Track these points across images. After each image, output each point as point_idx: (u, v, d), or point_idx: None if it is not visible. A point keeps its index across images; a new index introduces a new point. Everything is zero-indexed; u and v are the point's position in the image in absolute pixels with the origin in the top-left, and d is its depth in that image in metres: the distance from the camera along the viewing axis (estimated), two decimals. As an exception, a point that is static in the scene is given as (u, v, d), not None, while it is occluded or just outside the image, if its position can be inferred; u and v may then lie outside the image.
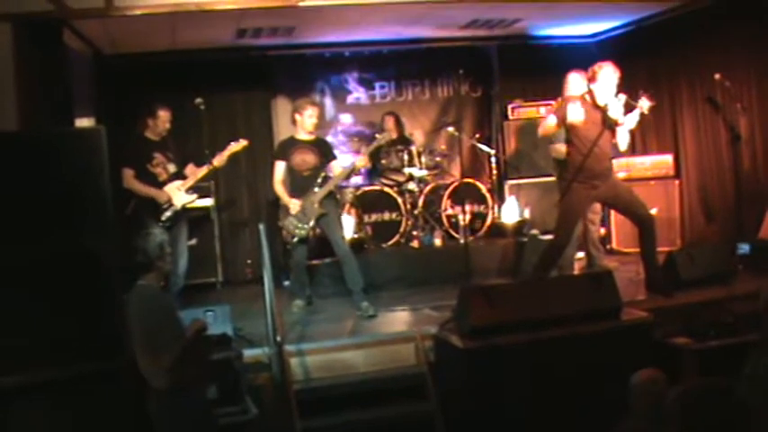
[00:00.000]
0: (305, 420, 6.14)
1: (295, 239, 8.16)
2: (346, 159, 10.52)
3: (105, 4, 7.20)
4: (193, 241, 9.58)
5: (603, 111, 7.43)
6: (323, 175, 8.20)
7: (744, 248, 8.10)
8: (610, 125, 7.45)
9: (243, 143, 8.19)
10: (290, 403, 6.15)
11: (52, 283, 5.17)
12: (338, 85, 11.39)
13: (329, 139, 10.61)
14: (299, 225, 8.08)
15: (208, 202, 9.45)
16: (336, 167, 8.34)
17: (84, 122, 8.50)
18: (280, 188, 8.18)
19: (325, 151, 8.37)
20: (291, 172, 8.20)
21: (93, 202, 5.40)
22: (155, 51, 9.70)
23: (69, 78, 7.90)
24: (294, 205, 8.05)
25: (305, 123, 8.17)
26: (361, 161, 8.32)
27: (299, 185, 8.17)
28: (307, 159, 8.19)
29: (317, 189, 8.11)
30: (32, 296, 5.14)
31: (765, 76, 9.19)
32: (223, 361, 6.31)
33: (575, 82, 8.38)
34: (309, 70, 11.19)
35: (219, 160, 8.06)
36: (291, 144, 8.27)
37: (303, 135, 8.24)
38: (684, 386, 2.92)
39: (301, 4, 7.67)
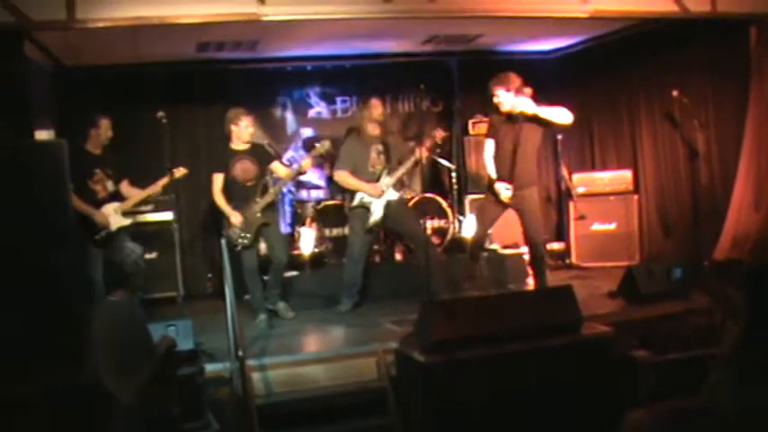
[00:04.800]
0: (266, 435, 6.13)
1: (238, 248, 8.22)
2: (308, 174, 10.56)
3: (67, 16, 7.12)
4: (153, 255, 9.54)
5: (512, 115, 8.01)
6: (262, 183, 8.41)
7: (677, 273, 8.16)
8: (527, 119, 7.93)
9: (182, 171, 8.26)
10: (252, 418, 6.12)
11: (13, 297, 5.12)
12: (300, 99, 11.40)
13: (290, 153, 10.66)
14: (242, 234, 8.19)
15: (168, 215, 9.39)
16: (279, 168, 8.51)
17: (43, 135, 8.39)
18: (221, 199, 8.24)
19: (262, 157, 8.49)
20: (233, 183, 8.27)
21: (55, 215, 5.37)
22: (117, 64, 9.63)
23: (30, 90, 7.82)
24: (236, 217, 8.15)
25: (241, 134, 8.28)
26: (307, 164, 8.45)
27: (241, 195, 8.29)
28: (248, 169, 8.30)
29: (258, 199, 8.28)
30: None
31: (723, 93, 9.35)
32: (185, 376, 6.27)
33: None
34: (271, 84, 11.18)
35: (153, 189, 8.19)
36: (230, 155, 8.32)
37: (240, 145, 8.33)
38: (662, 408, 2.92)
39: (264, 18, 7.66)
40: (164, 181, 8.10)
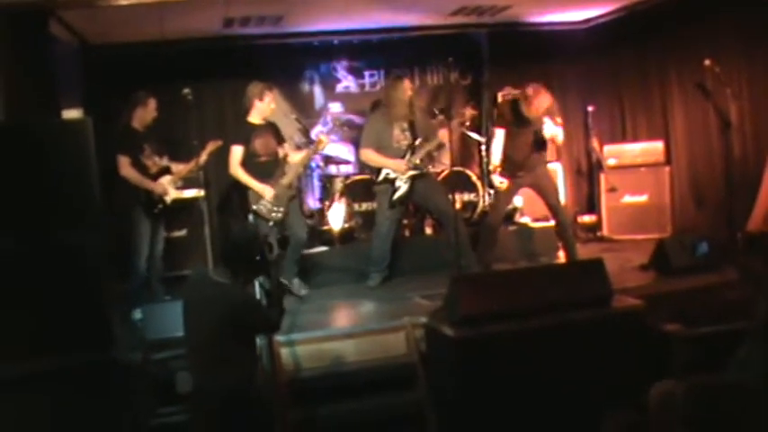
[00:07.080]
0: (295, 411, 6.12)
1: (270, 224, 8.15)
2: (337, 148, 10.53)
3: (91, -7, 7.16)
4: (183, 232, 9.57)
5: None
6: (281, 158, 8.31)
7: (702, 247, 8.05)
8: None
9: (218, 143, 8.32)
10: (281, 394, 6.13)
11: (38, 275, 5.13)
12: (327, 74, 11.34)
13: (319, 128, 10.61)
14: (275, 209, 8.12)
15: (197, 192, 9.41)
16: (292, 155, 8.45)
17: (71, 113, 8.44)
18: (241, 172, 8.12)
19: (279, 133, 8.47)
20: (253, 157, 8.16)
21: (80, 194, 5.36)
22: (142, 41, 9.62)
23: (56, 69, 7.83)
24: (268, 190, 8.09)
25: (264, 109, 8.22)
26: (324, 143, 8.48)
27: (263, 170, 8.18)
28: (268, 144, 8.24)
29: (281, 173, 8.21)
30: (17, 289, 5.10)
31: (757, 61, 9.18)
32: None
33: None
34: (298, 59, 11.13)
35: (198, 161, 8.16)
36: (250, 129, 8.23)
37: (259, 120, 8.25)
38: (692, 382, 2.87)
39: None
40: (207, 151, 8.19)
